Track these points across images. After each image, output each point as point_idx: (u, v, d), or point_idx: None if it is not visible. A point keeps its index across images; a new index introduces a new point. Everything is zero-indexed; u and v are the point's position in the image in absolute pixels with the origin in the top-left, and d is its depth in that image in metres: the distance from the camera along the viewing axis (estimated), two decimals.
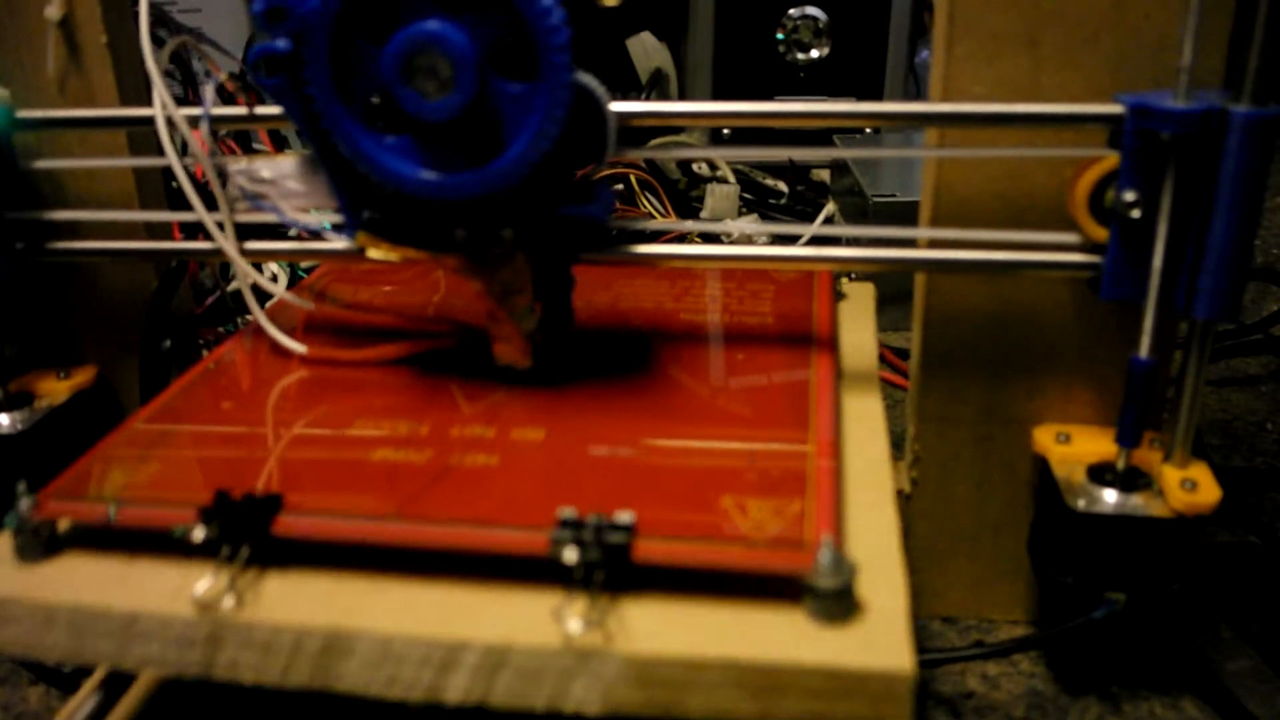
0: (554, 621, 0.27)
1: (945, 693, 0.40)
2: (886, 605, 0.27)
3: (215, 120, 0.36)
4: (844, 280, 0.47)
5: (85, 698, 0.34)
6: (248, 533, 0.29)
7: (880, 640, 0.26)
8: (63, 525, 0.31)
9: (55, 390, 0.44)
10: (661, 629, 0.27)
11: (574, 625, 0.26)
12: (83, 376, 0.45)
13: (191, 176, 0.38)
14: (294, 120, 0.33)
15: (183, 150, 0.37)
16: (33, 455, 0.41)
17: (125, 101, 0.42)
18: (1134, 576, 0.36)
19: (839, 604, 0.27)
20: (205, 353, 0.48)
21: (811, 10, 0.95)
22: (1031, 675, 0.41)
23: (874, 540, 0.30)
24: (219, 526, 0.29)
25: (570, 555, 0.27)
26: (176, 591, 0.28)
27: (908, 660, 0.26)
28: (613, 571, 0.27)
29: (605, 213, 0.35)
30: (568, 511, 0.28)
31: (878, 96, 0.98)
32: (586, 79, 0.32)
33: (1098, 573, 0.36)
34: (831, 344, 0.39)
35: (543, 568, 0.27)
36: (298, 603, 0.28)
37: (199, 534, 0.29)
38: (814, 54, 0.97)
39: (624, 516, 0.28)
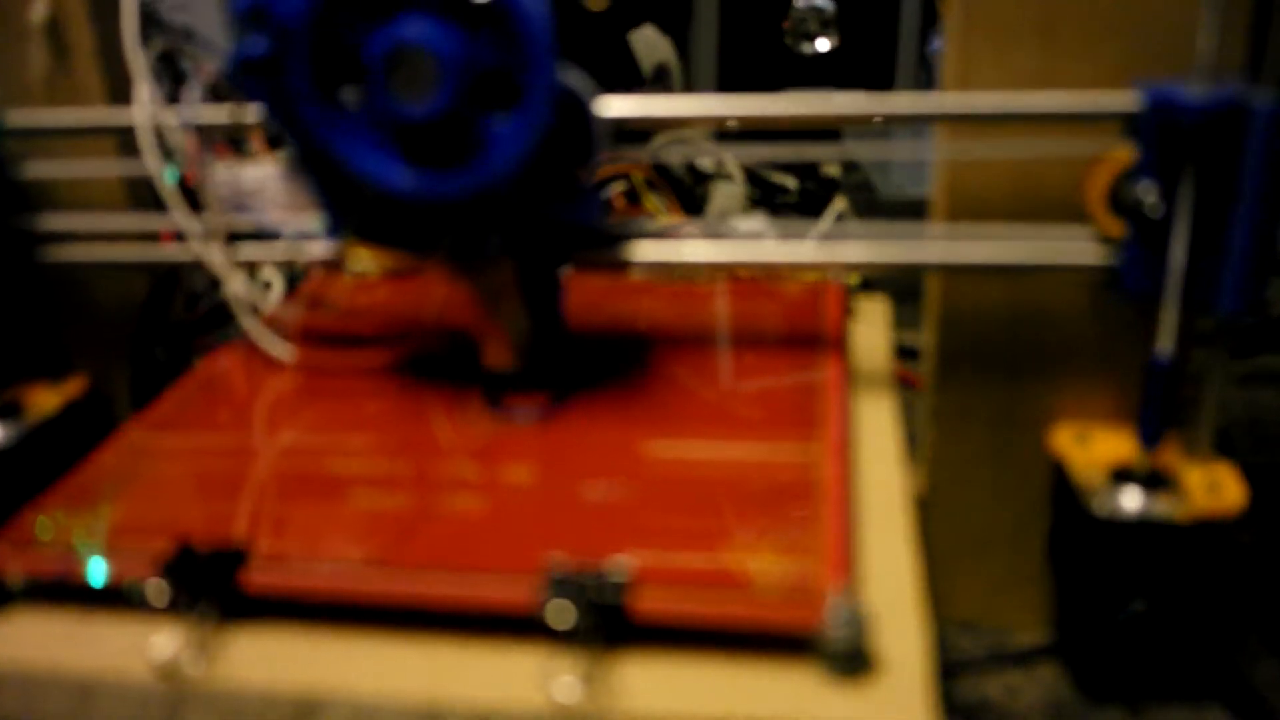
0: (543, 682, 0.25)
1: (964, 702, 0.39)
2: (904, 659, 0.26)
3: (202, 126, 0.36)
4: (853, 279, 0.46)
5: None
6: (212, 588, 0.27)
7: (897, 699, 0.25)
8: (13, 578, 0.29)
9: (46, 401, 0.43)
10: (659, 688, 0.25)
11: (564, 687, 0.25)
12: (74, 386, 0.44)
13: (181, 181, 0.37)
14: (276, 123, 0.32)
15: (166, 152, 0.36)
16: (23, 468, 0.40)
17: (113, 102, 0.42)
18: (1157, 581, 0.35)
19: (852, 660, 0.25)
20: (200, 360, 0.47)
21: (818, 0, 0.94)
22: (1052, 683, 0.40)
23: (889, 584, 0.28)
24: (180, 583, 0.27)
25: (560, 617, 0.25)
26: (136, 650, 0.27)
27: None
28: (606, 628, 0.26)
29: (593, 216, 0.34)
30: (558, 565, 0.26)
31: (888, 88, 0.97)
32: (572, 81, 0.31)
33: (1119, 578, 0.35)
34: (841, 370, 0.37)
35: (532, 621, 0.26)
36: (267, 663, 0.27)
37: (157, 594, 0.27)
38: (822, 45, 0.95)
39: (618, 570, 0.26)
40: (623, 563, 0.26)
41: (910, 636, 0.26)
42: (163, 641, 0.26)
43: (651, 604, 0.26)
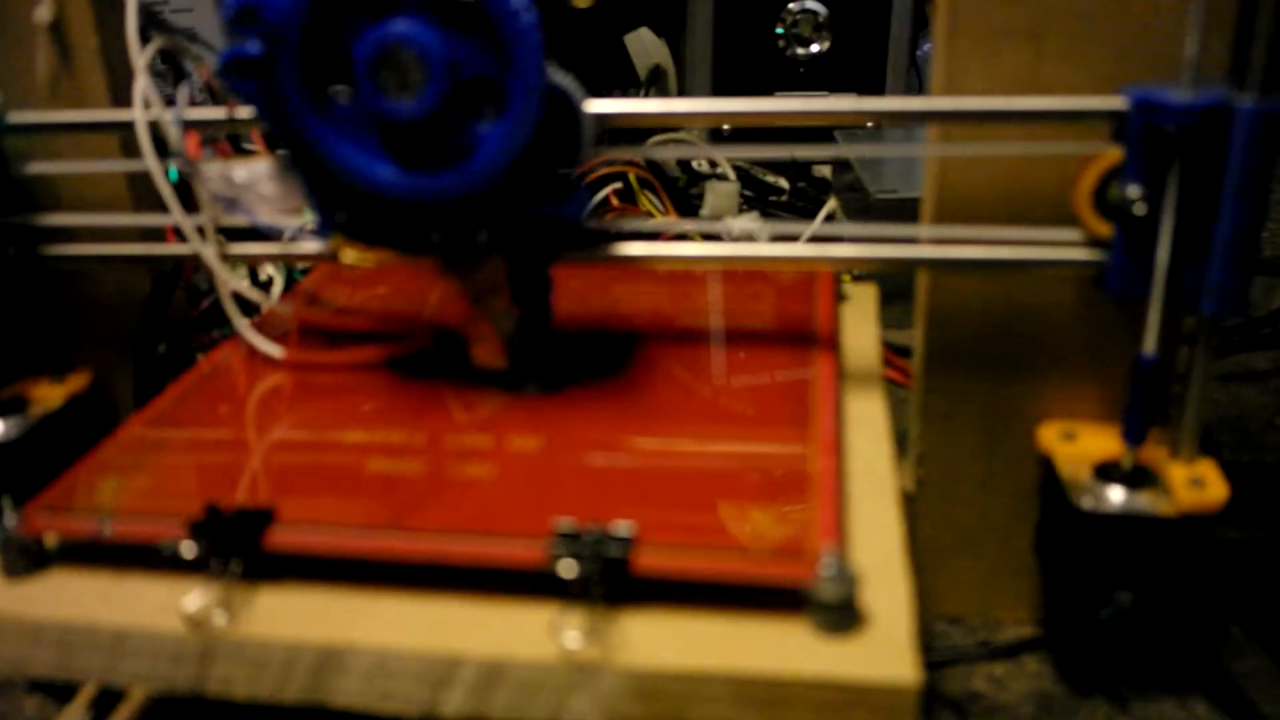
0: (551, 635, 0.26)
1: (952, 694, 0.40)
2: (891, 615, 0.27)
3: (197, 123, 0.36)
4: (846, 278, 0.47)
5: (77, 713, 0.34)
6: (238, 547, 0.28)
7: (884, 651, 0.26)
8: (50, 540, 0.31)
9: (50, 396, 0.43)
10: (661, 641, 0.27)
11: (572, 639, 0.26)
12: (77, 382, 0.44)
13: (184, 179, 0.37)
14: (267, 123, 0.33)
15: (168, 152, 0.37)
16: (27, 462, 0.41)
17: (117, 103, 0.42)
18: (1142, 575, 0.35)
19: (842, 615, 0.26)
20: (201, 356, 0.47)
21: (811, 4, 0.95)
22: (1039, 676, 0.40)
23: (877, 547, 0.29)
24: (209, 541, 0.28)
25: (568, 569, 0.27)
26: (166, 607, 0.28)
27: (913, 671, 0.25)
28: (611, 584, 0.27)
29: (578, 213, 0.34)
30: (565, 523, 0.28)
31: (879, 90, 0.97)
32: (561, 80, 0.32)
33: (1105, 572, 0.36)
34: (832, 346, 0.38)
35: (540, 579, 0.27)
36: (291, 618, 0.28)
37: (188, 550, 0.28)
38: (814, 48, 0.96)
39: (622, 528, 0.27)
40: (626, 522, 0.28)
41: (896, 594, 0.28)
42: (193, 596, 0.28)
43: (653, 560, 0.27)
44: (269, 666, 0.27)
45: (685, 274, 0.46)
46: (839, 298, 0.44)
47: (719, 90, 0.95)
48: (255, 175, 0.36)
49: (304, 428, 0.35)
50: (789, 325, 0.40)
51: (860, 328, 0.43)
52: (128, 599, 0.29)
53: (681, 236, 0.64)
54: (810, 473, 0.31)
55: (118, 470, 0.33)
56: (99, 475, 0.33)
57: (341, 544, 0.29)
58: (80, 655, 0.28)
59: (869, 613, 0.27)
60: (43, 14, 0.40)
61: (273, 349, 0.39)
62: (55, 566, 0.30)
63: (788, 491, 0.30)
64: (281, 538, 0.29)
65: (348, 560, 0.28)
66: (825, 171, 0.92)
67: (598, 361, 0.38)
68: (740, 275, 0.46)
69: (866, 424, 0.36)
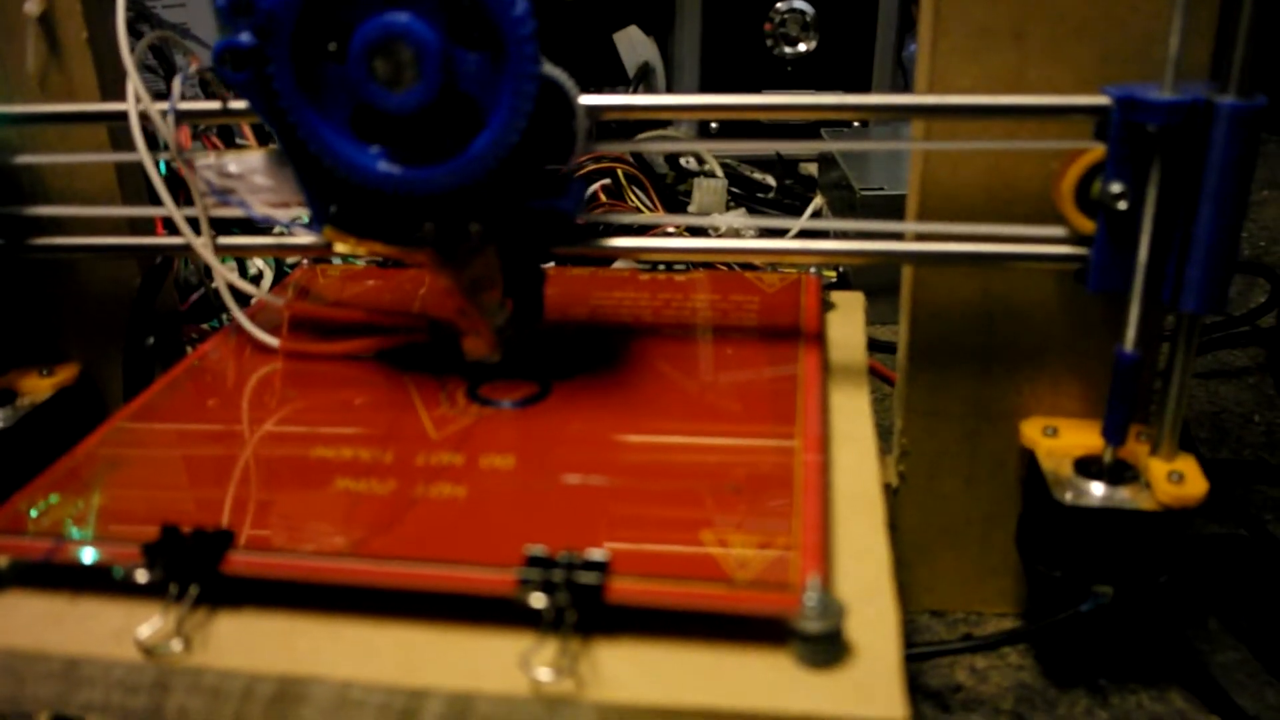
0: (522, 667, 0.25)
1: (933, 686, 0.40)
2: (878, 648, 0.26)
3: (189, 115, 0.36)
4: (830, 274, 0.46)
5: None
6: (196, 571, 0.27)
7: (871, 687, 0.25)
8: (2, 562, 0.29)
9: (38, 388, 0.43)
10: (637, 675, 0.25)
11: (543, 672, 0.25)
12: (66, 374, 0.44)
13: (172, 172, 0.37)
14: (260, 115, 0.33)
15: (157, 145, 0.37)
16: (15, 453, 0.41)
17: (106, 97, 0.42)
18: (1122, 569, 0.36)
19: (827, 648, 0.25)
20: (189, 349, 0.47)
21: (799, 3, 0.95)
22: (1020, 668, 0.41)
23: (864, 575, 0.28)
24: (165, 565, 0.27)
25: (538, 599, 0.26)
26: (121, 633, 0.27)
27: (901, 709, 0.24)
28: (585, 613, 0.26)
29: (574, 207, 0.34)
30: (537, 549, 0.26)
31: (865, 90, 0.98)
32: (555, 72, 0.32)
33: (1086, 566, 0.36)
34: (819, 362, 0.37)
35: (511, 608, 0.26)
36: (250, 646, 0.27)
37: (142, 575, 0.27)
38: (801, 47, 0.96)
39: (596, 554, 0.26)
40: (601, 548, 0.27)
41: (884, 624, 0.27)
42: (147, 625, 0.27)
43: (629, 589, 0.26)
44: (227, 697, 0.26)
45: (666, 283, 0.46)
46: (826, 306, 0.44)
47: (707, 89, 0.96)
48: (249, 167, 0.36)
49: (276, 443, 0.34)
50: (774, 338, 0.40)
51: (847, 339, 0.42)
52: (81, 625, 0.28)
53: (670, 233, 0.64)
54: (795, 491, 0.30)
55: (75, 488, 0.31)
56: (54, 494, 0.31)
57: (304, 569, 0.27)
58: (31, 684, 0.27)
59: (855, 644, 0.26)
60: (32, 7, 0.40)
61: (268, 339, 0.39)
62: (7, 590, 0.29)
63: (772, 517, 0.29)
64: (241, 561, 0.28)
65: (311, 585, 0.27)
66: (812, 169, 0.92)
67: (575, 373, 0.37)
68: (724, 285, 0.45)
69: (853, 440, 0.35)
